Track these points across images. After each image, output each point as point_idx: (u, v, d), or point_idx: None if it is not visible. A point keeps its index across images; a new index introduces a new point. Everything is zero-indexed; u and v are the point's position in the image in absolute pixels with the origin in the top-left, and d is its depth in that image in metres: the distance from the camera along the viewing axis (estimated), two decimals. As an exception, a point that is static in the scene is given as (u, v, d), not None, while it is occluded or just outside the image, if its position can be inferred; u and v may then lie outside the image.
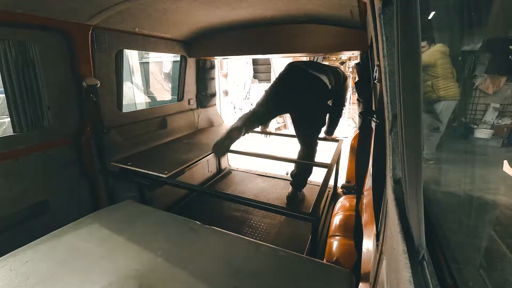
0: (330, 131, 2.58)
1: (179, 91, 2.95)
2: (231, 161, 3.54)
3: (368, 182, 0.81)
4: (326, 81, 2.11)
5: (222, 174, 3.24)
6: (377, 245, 0.99)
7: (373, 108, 1.16)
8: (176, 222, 1.26)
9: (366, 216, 0.88)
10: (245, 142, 2.65)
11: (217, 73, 3.65)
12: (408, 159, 0.50)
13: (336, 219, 1.56)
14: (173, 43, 2.56)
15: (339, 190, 2.62)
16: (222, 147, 1.94)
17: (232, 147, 2.01)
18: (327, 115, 2.38)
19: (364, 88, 2.25)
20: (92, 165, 1.88)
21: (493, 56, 1.37)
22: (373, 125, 0.99)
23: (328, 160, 2.02)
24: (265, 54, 2.60)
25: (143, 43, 2.23)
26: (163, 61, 6.65)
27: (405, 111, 0.49)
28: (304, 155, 2.29)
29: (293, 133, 2.40)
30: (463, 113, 1.62)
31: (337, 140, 2.54)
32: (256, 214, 2.17)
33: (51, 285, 0.90)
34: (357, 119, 2.64)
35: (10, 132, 1.59)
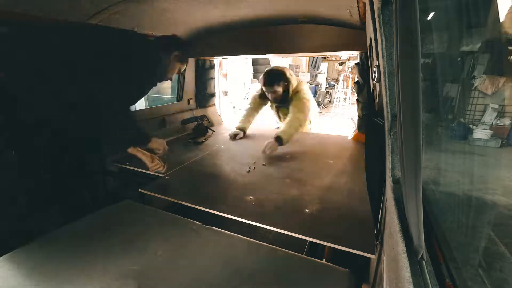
0: None
1: (178, 91, 2.95)
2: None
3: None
4: None
5: None
6: (376, 245, 0.99)
7: (376, 109, 1.17)
8: (176, 222, 1.26)
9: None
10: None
11: (216, 73, 3.65)
12: (407, 159, 0.51)
13: None
14: None
15: None
16: None
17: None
18: None
19: (363, 88, 2.26)
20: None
21: (492, 57, 1.38)
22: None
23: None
24: (265, 54, 2.60)
25: None
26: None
27: (405, 111, 0.49)
28: None
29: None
30: (462, 113, 1.62)
31: None
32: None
33: (51, 285, 0.90)
34: (356, 119, 2.64)
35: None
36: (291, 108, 2.40)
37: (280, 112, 2.78)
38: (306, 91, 2.50)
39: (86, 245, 1.10)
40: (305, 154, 2.19)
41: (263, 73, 2.47)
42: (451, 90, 1.59)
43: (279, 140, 2.10)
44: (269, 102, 2.74)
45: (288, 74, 2.42)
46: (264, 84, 2.41)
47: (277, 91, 2.39)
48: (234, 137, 2.56)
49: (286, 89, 2.41)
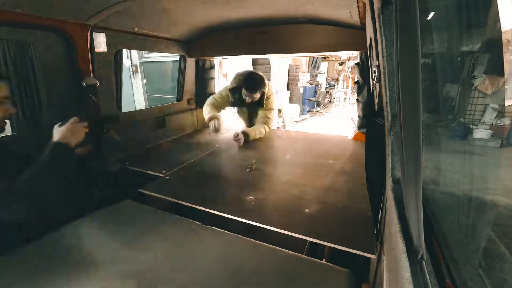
0: None
1: (178, 91, 2.95)
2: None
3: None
4: None
5: None
6: (376, 245, 0.99)
7: (376, 109, 1.17)
8: (176, 222, 1.26)
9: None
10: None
11: (216, 73, 3.65)
12: (407, 159, 0.51)
13: None
14: (173, 43, 2.56)
15: None
16: None
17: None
18: None
19: (363, 88, 2.26)
20: (91, 165, 1.87)
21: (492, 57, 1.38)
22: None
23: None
24: (265, 54, 2.60)
25: (143, 43, 2.22)
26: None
27: (405, 111, 0.49)
28: None
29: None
30: (462, 113, 1.62)
31: None
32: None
33: (51, 285, 0.90)
34: (356, 119, 2.64)
35: (9, 132, 1.58)
36: (260, 115, 2.62)
37: (252, 115, 2.84)
38: (274, 97, 2.71)
39: (87, 245, 1.10)
40: (305, 154, 2.19)
41: (245, 77, 2.51)
42: (451, 90, 1.59)
43: (246, 136, 2.40)
44: (234, 106, 2.81)
45: (265, 81, 2.56)
46: (248, 90, 2.43)
47: (256, 97, 2.49)
48: (217, 128, 2.44)
49: (262, 95, 2.55)
